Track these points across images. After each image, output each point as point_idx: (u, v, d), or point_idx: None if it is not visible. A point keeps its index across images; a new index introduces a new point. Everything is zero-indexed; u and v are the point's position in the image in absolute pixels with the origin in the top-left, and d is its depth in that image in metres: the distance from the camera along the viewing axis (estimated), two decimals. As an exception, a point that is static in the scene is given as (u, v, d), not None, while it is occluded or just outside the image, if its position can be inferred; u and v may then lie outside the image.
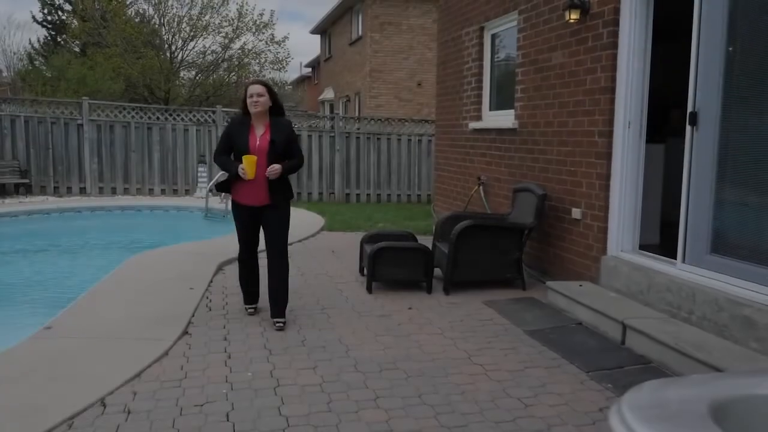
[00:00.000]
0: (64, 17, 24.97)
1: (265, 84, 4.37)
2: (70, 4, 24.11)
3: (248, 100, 4.23)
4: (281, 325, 4.32)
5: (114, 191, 12.27)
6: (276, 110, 4.39)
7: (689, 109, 4.25)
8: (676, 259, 4.42)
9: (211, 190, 10.64)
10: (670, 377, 1.53)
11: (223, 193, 10.58)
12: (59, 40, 24.78)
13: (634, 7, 4.78)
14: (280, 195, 4.37)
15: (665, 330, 3.93)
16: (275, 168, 4.20)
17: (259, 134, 4.30)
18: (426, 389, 3.37)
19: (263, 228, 4.43)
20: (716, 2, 4.08)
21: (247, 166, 4.12)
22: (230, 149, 4.35)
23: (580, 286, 5.05)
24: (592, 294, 4.80)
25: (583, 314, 4.68)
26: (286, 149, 4.32)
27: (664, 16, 4.92)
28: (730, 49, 4.02)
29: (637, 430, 1.11)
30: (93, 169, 12.11)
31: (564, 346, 4.13)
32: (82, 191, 12.10)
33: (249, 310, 4.67)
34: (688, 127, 4.27)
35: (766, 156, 3.74)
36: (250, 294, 4.70)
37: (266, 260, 4.45)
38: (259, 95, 4.22)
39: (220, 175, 11.14)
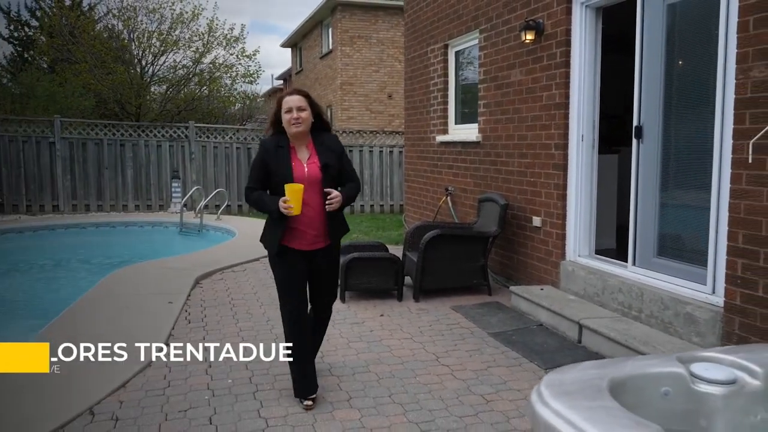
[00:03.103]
0: (30, 33, 24.77)
1: (305, 94, 3.37)
2: (37, 20, 23.96)
3: (286, 117, 3.27)
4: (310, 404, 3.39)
5: (87, 208, 12.29)
6: (318, 125, 3.41)
7: (635, 123, 4.61)
8: (627, 262, 4.76)
9: (181, 207, 10.75)
10: (585, 362, 1.83)
11: (198, 208, 10.81)
12: (26, 56, 24.56)
13: (584, 29, 5.13)
14: (339, 234, 3.48)
15: (616, 328, 4.25)
16: (336, 196, 3.25)
17: (305, 159, 3.33)
18: (396, 389, 3.63)
19: (312, 275, 3.47)
20: (655, 27, 4.45)
21: (292, 197, 3.16)
22: (266, 182, 3.35)
23: (541, 289, 5.36)
24: (551, 297, 5.11)
25: (543, 316, 4.99)
26: (340, 174, 3.41)
27: (621, 32, 5.25)
28: (669, 69, 4.39)
29: (548, 402, 1.39)
30: (66, 187, 12.13)
31: (525, 347, 4.43)
32: (55, 209, 12.09)
33: (306, 404, 3.36)
34: (634, 140, 4.63)
35: (701, 166, 4.09)
36: (309, 377, 3.43)
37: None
38: (300, 109, 3.27)
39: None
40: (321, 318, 3.70)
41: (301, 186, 3.18)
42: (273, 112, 3.40)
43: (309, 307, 3.58)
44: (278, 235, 3.31)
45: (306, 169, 3.29)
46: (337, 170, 3.38)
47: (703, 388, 1.61)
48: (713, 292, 3.93)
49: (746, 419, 1.57)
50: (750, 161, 3.49)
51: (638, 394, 1.53)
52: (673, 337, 4.08)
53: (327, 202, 3.23)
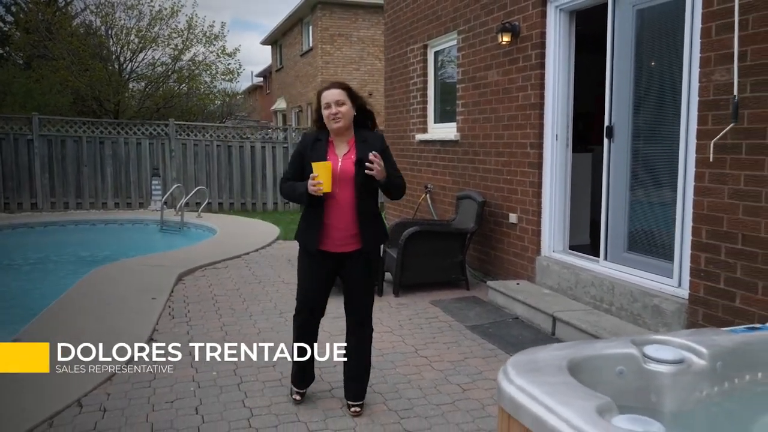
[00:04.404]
0: (6, 29, 24.42)
1: (345, 87, 3.20)
2: (12, 15, 23.63)
3: (325, 113, 3.13)
4: (358, 410, 3.30)
5: (66, 206, 12.23)
6: (362, 120, 3.25)
7: (606, 123, 4.79)
8: (599, 257, 4.95)
9: (161, 205, 10.75)
10: (549, 344, 2.00)
11: (178, 206, 10.82)
12: (2, 52, 24.21)
13: (558, 31, 5.30)
14: (373, 238, 3.24)
15: (588, 320, 4.43)
16: (375, 159, 3.02)
17: (342, 153, 3.17)
18: (376, 380, 3.75)
19: (342, 283, 3.34)
20: (625, 31, 4.63)
21: (321, 173, 3.00)
22: (301, 175, 3.20)
23: (517, 284, 5.54)
24: (527, 291, 5.28)
25: (519, 310, 5.16)
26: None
27: (596, 33, 5.42)
28: (638, 71, 4.58)
29: (513, 379, 1.54)
30: (44, 185, 12.06)
31: (501, 339, 4.59)
32: (34, 207, 12.02)
33: (296, 397, 3.44)
34: (605, 140, 4.82)
35: (668, 164, 4.28)
36: (304, 372, 3.45)
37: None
38: (339, 104, 3.10)
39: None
40: (358, 334, 3.36)
41: (329, 162, 3.06)
42: (314, 108, 3.26)
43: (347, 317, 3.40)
44: (313, 233, 3.17)
45: (340, 164, 3.13)
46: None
47: (654, 367, 1.78)
48: (679, 285, 4.12)
49: (692, 395, 1.74)
50: (711, 160, 3.67)
51: (595, 372, 1.69)
52: (641, 328, 4.26)
53: (366, 166, 3.00)
